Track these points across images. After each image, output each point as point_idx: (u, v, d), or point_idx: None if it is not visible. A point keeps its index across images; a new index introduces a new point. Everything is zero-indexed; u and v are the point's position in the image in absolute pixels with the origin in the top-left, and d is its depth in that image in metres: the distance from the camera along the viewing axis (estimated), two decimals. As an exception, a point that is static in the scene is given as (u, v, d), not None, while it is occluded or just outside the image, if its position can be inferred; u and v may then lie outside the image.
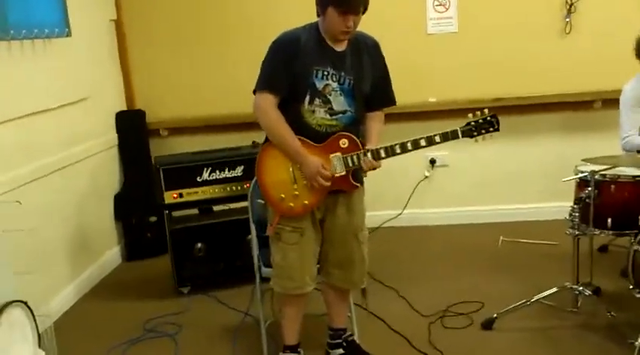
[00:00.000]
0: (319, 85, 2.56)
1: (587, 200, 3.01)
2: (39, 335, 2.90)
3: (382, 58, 2.70)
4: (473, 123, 2.62)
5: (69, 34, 3.73)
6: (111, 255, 4.43)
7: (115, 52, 4.67)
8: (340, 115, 2.60)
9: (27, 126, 3.49)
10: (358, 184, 2.66)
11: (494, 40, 4.48)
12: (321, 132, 2.60)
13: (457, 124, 4.57)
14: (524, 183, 4.69)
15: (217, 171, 3.76)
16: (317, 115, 2.58)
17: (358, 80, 2.60)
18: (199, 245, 3.83)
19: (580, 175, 3.10)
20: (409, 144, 2.58)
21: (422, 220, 4.78)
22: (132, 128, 4.67)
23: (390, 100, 2.78)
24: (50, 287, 3.64)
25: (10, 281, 2.91)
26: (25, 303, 2.85)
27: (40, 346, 2.92)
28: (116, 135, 4.60)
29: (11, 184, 3.31)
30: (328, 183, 2.57)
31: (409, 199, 4.74)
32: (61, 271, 3.79)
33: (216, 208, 3.97)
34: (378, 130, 2.74)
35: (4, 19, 3.13)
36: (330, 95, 2.57)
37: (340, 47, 2.58)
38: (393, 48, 4.72)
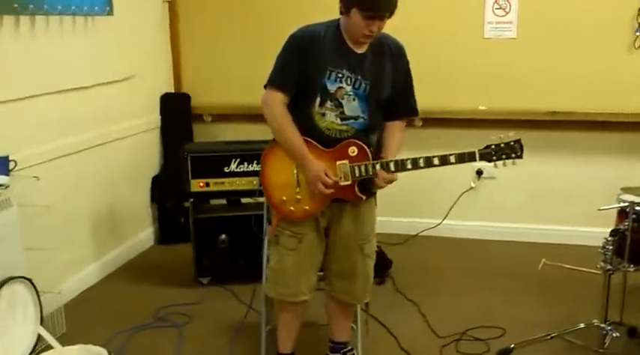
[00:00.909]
0: (331, 87, 2.42)
1: (624, 232, 2.75)
2: (41, 312, 2.92)
3: (406, 64, 2.53)
4: (494, 146, 2.42)
5: (110, 13, 3.71)
6: (143, 236, 4.44)
7: (166, 34, 4.66)
8: (352, 121, 2.46)
9: (62, 101, 3.51)
10: (363, 196, 2.50)
11: (555, 49, 4.19)
12: (331, 137, 2.46)
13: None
14: (574, 204, 4.38)
15: (245, 163, 3.69)
16: (327, 118, 2.45)
17: (375, 86, 2.44)
18: (223, 236, 3.77)
19: (619, 205, 2.83)
20: (421, 161, 2.42)
21: (462, 232, 4.56)
22: (176, 111, 4.65)
23: (411, 110, 2.61)
24: (72, 265, 3.67)
25: (18, 256, 2.94)
26: (29, 280, 2.86)
27: (42, 323, 2.93)
28: (159, 116, 4.60)
29: (42, 157, 3.35)
30: (328, 191, 2.43)
31: (451, 209, 4.53)
32: (86, 249, 3.81)
33: (245, 201, 3.91)
34: (398, 142, 2.57)
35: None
36: (342, 99, 2.43)
37: (361, 49, 2.43)
38: (446, 49, 4.60)
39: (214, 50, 4.69)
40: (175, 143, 4.60)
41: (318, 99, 2.43)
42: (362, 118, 2.46)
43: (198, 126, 4.77)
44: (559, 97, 4.21)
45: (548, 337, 2.94)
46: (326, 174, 2.42)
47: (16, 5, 3.02)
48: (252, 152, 3.68)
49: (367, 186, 2.52)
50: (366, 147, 2.44)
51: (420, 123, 4.46)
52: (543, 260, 4.08)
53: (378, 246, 3.92)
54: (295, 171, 2.48)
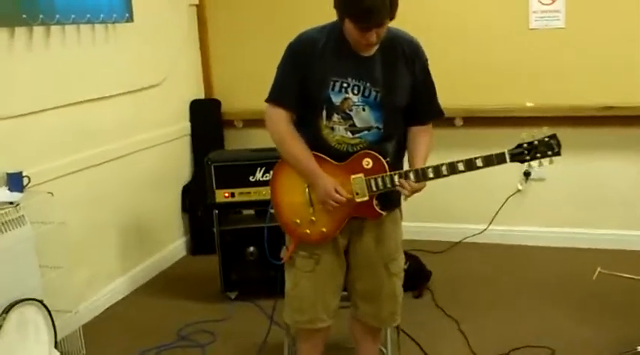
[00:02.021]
0: (336, 99, 2.18)
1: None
2: (55, 335, 2.80)
3: (424, 63, 2.26)
4: (526, 144, 2.14)
5: (129, 20, 3.58)
6: (174, 247, 4.31)
7: (194, 39, 4.52)
8: (364, 132, 2.21)
9: (81, 113, 3.40)
10: (384, 212, 2.26)
11: (608, 37, 3.84)
12: (342, 151, 2.23)
13: (559, 136, 4.08)
14: (633, 206, 4.02)
15: (271, 172, 3.47)
16: (337, 133, 2.21)
17: (389, 92, 2.18)
18: (251, 249, 3.59)
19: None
20: (444, 169, 2.15)
21: (509, 239, 4.25)
22: (206, 118, 4.51)
23: (436, 112, 2.34)
24: (95, 281, 3.56)
25: (34, 276, 2.83)
26: (41, 301, 2.75)
27: (57, 346, 2.82)
28: (189, 124, 4.46)
29: (58, 172, 3.25)
30: (337, 205, 2.20)
31: (496, 214, 4.23)
32: (111, 264, 3.70)
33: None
34: (425, 149, 2.30)
35: (50, 2, 3.01)
36: (350, 110, 2.19)
37: (367, 52, 2.17)
38: (488, 42, 4.24)
39: (244, 54, 4.52)
40: (206, 150, 4.42)
41: (324, 113, 2.20)
42: (376, 128, 2.22)
43: (230, 133, 4.62)
44: (614, 90, 3.85)
45: (601, 361, 2.64)
46: (337, 191, 2.19)
47: (24, 16, 2.91)
48: (278, 160, 3.46)
49: (389, 200, 2.29)
50: (381, 157, 2.20)
51: (461, 123, 4.19)
52: (599, 268, 3.72)
53: (415, 256, 3.74)
54: (307, 190, 2.26)
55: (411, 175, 2.17)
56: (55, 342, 2.79)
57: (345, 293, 2.46)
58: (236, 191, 3.53)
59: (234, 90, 4.57)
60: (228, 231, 3.57)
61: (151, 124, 4.02)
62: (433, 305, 3.45)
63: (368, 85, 2.17)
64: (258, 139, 4.46)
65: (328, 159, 2.23)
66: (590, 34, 3.87)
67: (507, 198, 4.21)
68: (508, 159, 2.13)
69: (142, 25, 3.79)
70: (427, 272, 3.66)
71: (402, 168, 2.32)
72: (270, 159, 3.47)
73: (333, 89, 2.17)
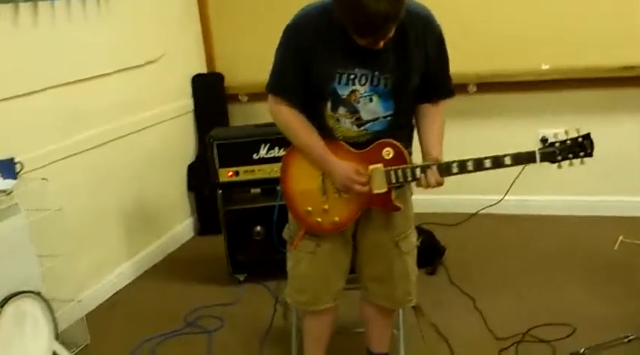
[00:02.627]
0: (342, 91, 2.01)
1: None
2: (56, 326, 2.71)
3: (438, 39, 2.04)
4: (558, 144, 1.99)
5: (122, -7, 3.43)
6: (181, 228, 4.20)
7: (194, 10, 4.34)
8: (370, 124, 2.06)
9: (75, 93, 3.25)
10: (401, 205, 2.12)
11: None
12: (349, 143, 2.09)
13: (573, 99, 3.89)
14: (658, 172, 3.85)
15: (276, 148, 3.34)
16: (342, 125, 2.06)
17: (401, 77, 2.00)
18: (258, 228, 3.47)
19: None
20: (470, 165, 2.01)
21: (527, 208, 4.10)
22: (209, 93, 4.35)
23: (448, 92, 2.15)
24: (99, 268, 3.46)
25: (32, 266, 2.73)
26: (38, 293, 2.65)
27: (59, 337, 2.73)
28: (192, 100, 4.31)
29: (54, 156, 3.12)
30: (366, 189, 2.06)
31: (513, 183, 4.05)
32: (115, 249, 3.60)
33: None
34: (440, 135, 2.14)
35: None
36: (357, 103, 2.02)
37: None
38: (499, 3, 3.93)
39: (247, 24, 4.34)
40: (210, 127, 4.29)
41: (330, 104, 2.04)
42: (384, 118, 2.06)
43: (235, 108, 4.47)
44: (634, 49, 3.63)
45: (626, 339, 2.50)
46: (358, 173, 2.05)
47: (7, -7, 2.77)
48: (282, 135, 3.32)
49: (406, 191, 2.17)
50: (402, 148, 2.05)
51: (475, 89, 4.00)
52: (620, 237, 3.59)
53: (428, 231, 3.59)
54: (321, 177, 2.12)
55: (434, 169, 2.02)
56: (57, 333, 2.70)
57: (353, 274, 2.34)
58: (240, 169, 3.39)
59: (238, 63, 4.40)
60: (234, 211, 3.44)
61: (151, 102, 3.87)
62: (448, 282, 3.31)
63: (377, 73, 1.99)
64: (265, 114, 4.21)
65: (345, 145, 2.08)
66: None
67: (524, 167, 4.01)
68: (538, 159, 1.99)
69: (138, -1, 3.65)
70: (441, 248, 3.52)
71: (410, 151, 2.18)
72: (274, 135, 3.37)
73: (339, 82, 1.99)
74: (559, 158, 1.99)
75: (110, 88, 3.50)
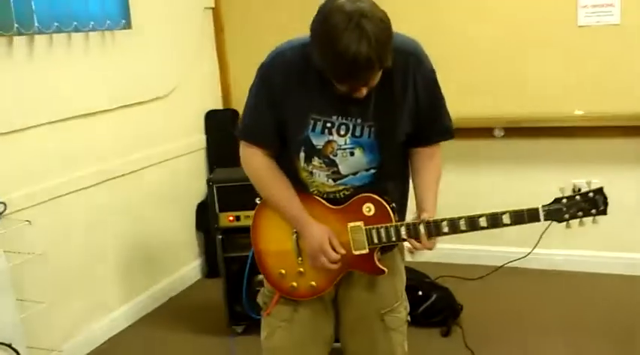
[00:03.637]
0: (317, 141, 1.78)
1: None
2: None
3: (428, 75, 1.79)
4: (565, 200, 1.75)
5: (127, 26, 3.28)
6: (187, 271, 4.00)
7: (210, 45, 4.20)
8: (350, 177, 1.82)
9: (72, 129, 3.12)
10: (385, 269, 1.86)
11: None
12: (323, 198, 1.86)
13: (608, 147, 3.57)
14: None
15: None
16: (316, 179, 1.83)
17: (387, 126, 1.77)
18: (260, 277, 3.23)
19: None
20: (462, 224, 1.76)
21: (558, 264, 3.76)
22: (223, 129, 4.18)
23: (445, 132, 1.89)
24: (89, 314, 3.27)
25: (10, 313, 2.56)
26: (9, 345, 2.47)
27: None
28: (204, 136, 4.15)
29: (50, 194, 2.99)
30: (334, 266, 1.83)
31: (542, 236, 3.72)
32: (111, 293, 3.41)
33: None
34: (436, 183, 1.90)
35: (27, 9, 2.72)
36: (334, 156, 1.78)
37: None
38: (532, 43, 3.63)
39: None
40: (223, 165, 4.15)
41: (302, 155, 1.81)
42: (365, 171, 1.82)
43: (249, 145, 4.28)
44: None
45: None
46: (331, 244, 1.81)
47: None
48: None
49: (388, 247, 1.91)
50: (386, 204, 1.81)
51: (502, 133, 3.72)
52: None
53: (445, 288, 3.30)
54: (294, 236, 1.90)
55: (422, 228, 1.77)
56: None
57: (338, 344, 2.08)
58: (241, 214, 3.18)
59: None
60: (234, 258, 3.22)
61: (158, 139, 3.71)
62: (462, 345, 3.01)
63: (359, 121, 1.75)
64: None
65: (321, 200, 1.85)
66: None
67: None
68: (542, 218, 1.74)
69: (147, 32, 3.51)
70: (457, 306, 3.22)
71: (406, 204, 1.93)
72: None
73: (313, 130, 1.77)
74: (566, 217, 1.74)
75: (110, 125, 3.35)
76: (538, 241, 3.70)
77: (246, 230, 3.17)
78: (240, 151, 1.91)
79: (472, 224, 1.75)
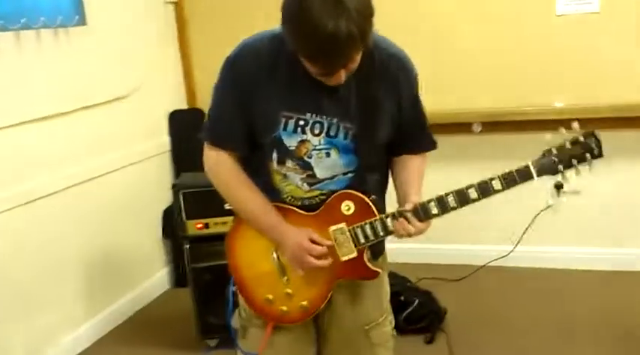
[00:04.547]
0: (289, 142, 1.62)
1: None
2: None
3: (412, 82, 1.66)
4: (555, 149, 1.59)
5: (81, 23, 3.06)
6: (154, 281, 3.78)
7: (173, 42, 3.98)
8: (326, 182, 1.66)
9: (26, 134, 2.89)
10: (379, 269, 1.71)
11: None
12: (297, 206, 1.69)
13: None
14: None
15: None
16: (290, 183, 1.66)
17: (367, 128, 1.61)
18: (233, 288, 3.05)
19: None
20: (451, 200, 1.60)
21: (542, 261, 3.65)
22: (188, 130, 3.97)
23: (428, 143, 1.76)
24: (57, 328, 3.07)
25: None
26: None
27: None
28: (168, 138, 3.93)
29: (6, 204, 2.77)
30: (324, 263, 1.65)
31: (524, 233, 3.62)
32: (73, 308, 3.18)
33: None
34: (419, 175, 1.75)
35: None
36: (309, 157, 1.62)
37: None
38: (508, 34, 3.48)
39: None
40: (189, 169, 3.94)
41: (275, 155, 1.65)
42: (343, 175, 1.66)
43: (217, 146, 4.08)
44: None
45: None
46: (313, 241, 1.64)
47: None
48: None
49: (377, 249, 1.75)
50: (364, 197, 1.64)
51: (480, 128, 3.58)
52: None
53: (427, 292, 3.15)
54: (275, 254, 1.72)
55: (409, 215, 1.60)
56: None
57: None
58: (210, 221, 2.99)
59: None
60: (204, 269, 3.03)
61: (119, 142, 3.49)
62: (447, 352, 2.86)
63: (335, 120, 1.59)
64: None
65: (294, 208, 1.68)
66: (629, 18, 3.24)
67: (536, 215, 3.58)
68: (535, 174, 1.58)
69: (104, 28, 3.29)
70: (441, 311, 3.08)
71: (384, 205, 1.77)
72: (248, 183, 2.96)
73: (285, 128, 1.60)
74: (560, 168, 1.58)
75: (68, 129, 3.13)
76: (520, 238, 3.62)
77: (215, 238, 3.03)
78: (205, 155, 1.74)
79: (462, 197, 1.59)
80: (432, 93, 2.02)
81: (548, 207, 3.57)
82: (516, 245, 3.63)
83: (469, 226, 3.62)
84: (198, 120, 3.99)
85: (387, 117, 1.62)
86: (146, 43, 3.71)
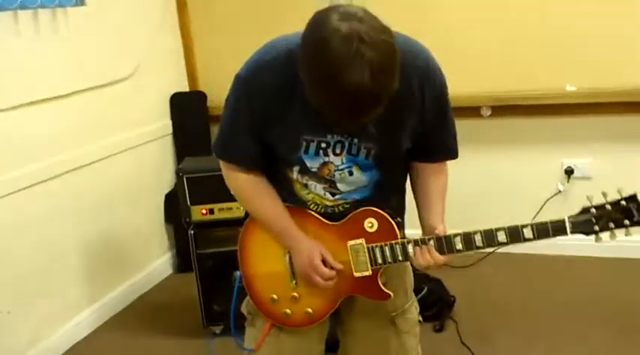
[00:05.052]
0: (312, 163, 1.55)
1: None
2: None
3: (439, 91, 1.53)
4: (594, 210, 1.53)
5: (80, 3, 2.97)
6: (156, 266, 3.72)
7: (173, 22, 3.87)
8: (349, 193, 1.60)
9: (25, 117, 2.80)
10: (391, 293, 1.65)
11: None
12: (319, 212, 1.63)
13: (602, 125, 3.38)
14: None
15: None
16: (312, 191, 1.61)
17: (387, 146, 1.54)
18: (238, 273, 2.99)
19: None
20: (478, 239, 1.55)
21: (550, 248, 3.56)
22: (190, 113, 3.90)
23: (449, 152, 1.66)
24: (58, 314, 3.01)
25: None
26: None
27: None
28: (170, 121, 3.85)
29: (13, 186, 2.71)
30: (328, 284, 1.61)
31: (534, 219, 3.54)
32: (75, 294, 3.12)
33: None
34: (442, 199, 1.67)
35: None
36: (332, 177, 1.57)
37: None
38: (515, 15, 3.36)
39: (233, 38, 3.85)
40: (191, 151, 3.86)
41: (298, 167, 1.58)
42: (364, 187, 1.61)
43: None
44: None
45: None
46: (324, 260, 1.59)
47: None
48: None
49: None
50: (390, 218, 1.59)
51: (489, 112, 3.50)
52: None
53: (437, 279, 3.09)
54: (287, 257, 1.67)
55: (432, 244, 1.55)
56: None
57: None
58: (215, 206, 2.93)
59: (222, 80, 3.82)
60: (209, 254, 2.97)
61: (120, 125, 3.41)
62: (458, 340, 2.81)
63: (355, 141, 1.52)
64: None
65: (317, 216, 1.62)
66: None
67: (546, 201, 3.53)
68: (569, 230, 1.53)
69: (103, 8, 3.19)
70: (450, 299, 3.02)
71: (403, 219, 1.71)
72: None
73: (306, 152, 1.53)
74: (596, 229, 1.54)
75: (67, 112, 3.04)
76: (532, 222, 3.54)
77: (220, 223, 2.98)
78: (222, 168, 1.68)
79: (489, 239, 1.55)
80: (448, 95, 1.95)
81: (559, 192, 3.51)
82: (525, 231, 3.56)
83: (478, 212, 3.57)
84: (199, 103, 3.93)
85: (408, 130, 1.54)
86: (146, 23, 3.62)
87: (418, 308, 1.85)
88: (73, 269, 3.12)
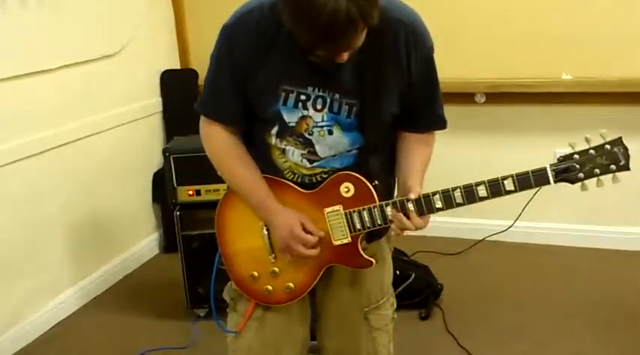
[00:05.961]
0: (290, 117, 1.52)
1: None
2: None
3: (426, 53, 1.52)
4: (577, 156, 1.46)
5: (70, -24, 2.90)
6: (143, 246, 3.68)
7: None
8: (328, 159, 1.56)
9: (9, 91, 2.74)
10: (373, 260, 1.60)
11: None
12: (295, 181, 1.59)
13: (597, 115, 3.34)
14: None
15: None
16: (289, 158, 1.57)
17: (370, 102, 1.49)
18: (220, 265, 2.96)
19: None
20: (458, 195, 1.49)
21: (539, 238, 3.56)
22: (181, 91, 3.83)
23: (437, 121, 1.63)
24: (41, 293, 2.97)
25: None
26: None
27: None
28: (160, 99, 3.78)
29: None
30: (312, 252, 1.56)
31: (524, 208, 3.52)
32: (58, 272, 3.08)
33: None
34: (423, 163, 1.62)
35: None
36: (310, 134, 1.52)
37: None
38: (515, 2, 3.32)
39: (226, 14, 3.80)
40: (181, 130, 3.80)
41: (274, 130, 1.55)
42: (347, 152, 1.56)
43: (210, 109, 3.94)
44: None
45: None
46: (304, 228, 1.55)
47: None
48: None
49: (375, 235, 1.64)
50: (366, 181, 1.54)
51: (483, 99, 3.46)
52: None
53: (424, 266, 3.07)
54: (265, 231, 1.62)
55: (410, 206, 1.49)
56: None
57: (315, 342, 1.84)
58: (202, 188, 2.89)
59: None
60: (194, 236, 2.92)
61: (109, 102, 3.35)
62: (443, 328, 2.79)
63: (337, 96, 1.48)
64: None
65: (291, 184, 1.58)
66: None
67: (538, 190, 3.48)
68: (552, 179, 1.46)
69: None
70: (437, 286, 3.00)
71: (392, 187, 1.67)
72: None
73: (285, 103, 1.49)
74: (581, 176, 1.47)
75: (54, 87, 2.98)
76: (520, 213, 3.52)
77: (207, 205, 2.90)
78: (200, 127, 1.64)
79: (470, 195, 1.48)
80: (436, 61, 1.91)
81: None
82: (516, 220, 3.54)
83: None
84: (191, 81, 3.86)
85: (394, 94, 1.51)
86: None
87: (395, 305, 1.81)
88: (58, 247, 3.08)
